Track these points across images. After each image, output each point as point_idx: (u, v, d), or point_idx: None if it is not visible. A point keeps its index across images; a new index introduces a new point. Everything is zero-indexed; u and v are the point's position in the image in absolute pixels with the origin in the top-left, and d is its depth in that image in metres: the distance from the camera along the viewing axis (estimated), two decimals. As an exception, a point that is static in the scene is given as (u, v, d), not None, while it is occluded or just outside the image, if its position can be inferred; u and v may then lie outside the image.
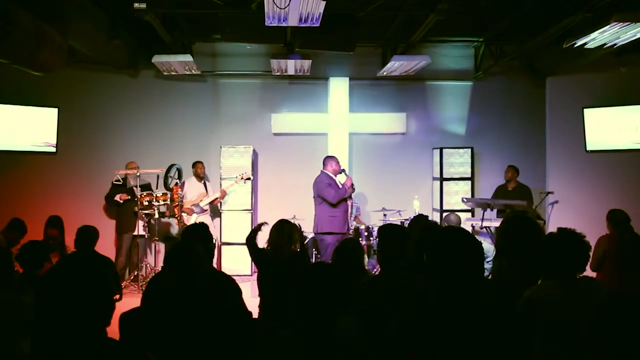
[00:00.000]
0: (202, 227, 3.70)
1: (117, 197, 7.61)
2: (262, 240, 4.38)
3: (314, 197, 6.77)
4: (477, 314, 1.88)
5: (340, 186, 6.65)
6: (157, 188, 7.80)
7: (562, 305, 2.46)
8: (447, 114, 8.86)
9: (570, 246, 2.56)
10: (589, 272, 2.78)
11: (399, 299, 2.47)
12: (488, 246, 5.02)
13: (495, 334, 1.88)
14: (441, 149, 8.51)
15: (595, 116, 7.93)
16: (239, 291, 3.40)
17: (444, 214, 7.31)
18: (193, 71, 7.83)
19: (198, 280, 2.80)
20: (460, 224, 6.70)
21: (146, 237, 7.66)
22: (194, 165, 7.98)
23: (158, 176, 7.74)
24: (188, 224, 7.68)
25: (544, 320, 2.45)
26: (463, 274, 1.99)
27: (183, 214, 7.60)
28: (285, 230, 4.15)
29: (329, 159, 6.86)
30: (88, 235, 4.67)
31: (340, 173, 6.77)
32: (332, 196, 6.49)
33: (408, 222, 7.31)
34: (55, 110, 7.73)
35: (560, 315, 2.44)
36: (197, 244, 3.26)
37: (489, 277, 3.22)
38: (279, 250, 4.10)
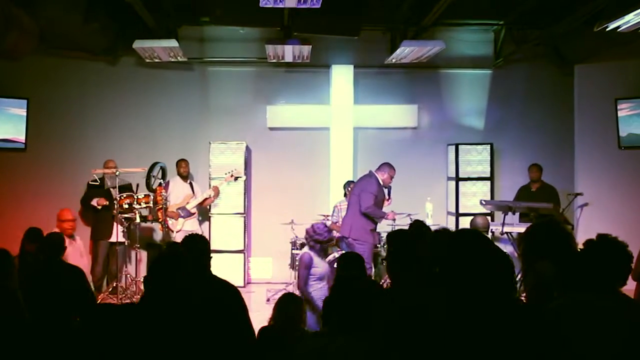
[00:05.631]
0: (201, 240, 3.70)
1: (94, 202, 7.58)
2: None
3: (354, 193, 6.87)
4: (503, 337, 1.84)
5: (383, 205, 6.87)
6: (138, 189, 7.76)
7: (595, 320, 2.43)
8: (463, 106, 8.85)
9: (612, 256, 2.51)
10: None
11: (410, 317, 2.43)
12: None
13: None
14: (457, 146, 8.50)
15: (630, 108, 7.90)
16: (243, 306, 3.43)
17: (470, 217, 7.28)
18: (179, 58, 7.82)
19: (193, 293, 2.71)
20: (488, 228, 6.69)
21: (126, 244, 7.62)
22: (177, 164, 7.97)
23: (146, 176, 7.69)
24: (173, 229, 7.67)
25: (572, 335, 2.43)
26: (482, 289, 1.95)
27: (167, 218, 7.56)
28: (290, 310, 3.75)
29: (387, 166, 6.87)
30: (55, 244, 4.64)
31: (386, 188, 6.89)
32: (367, 207, 6.64)
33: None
34: (25, 101, 7.70)
35: (590, 331, 2.41)
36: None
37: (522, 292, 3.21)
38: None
